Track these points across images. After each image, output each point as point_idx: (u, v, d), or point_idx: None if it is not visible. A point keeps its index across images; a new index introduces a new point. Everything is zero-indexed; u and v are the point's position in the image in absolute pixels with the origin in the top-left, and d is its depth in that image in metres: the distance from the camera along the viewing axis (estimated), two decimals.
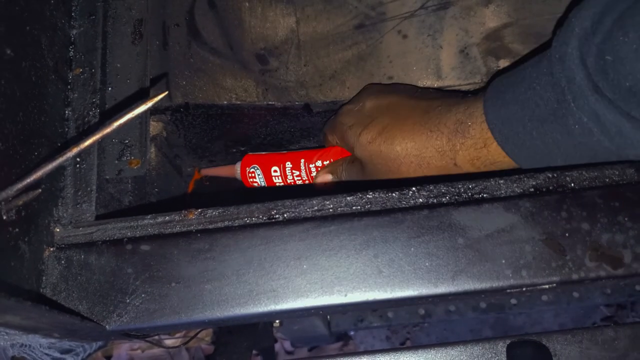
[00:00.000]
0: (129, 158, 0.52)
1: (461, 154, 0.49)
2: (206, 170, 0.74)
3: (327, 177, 0.62)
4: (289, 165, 0.66)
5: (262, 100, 0.64)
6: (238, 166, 0.70)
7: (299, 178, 0.65)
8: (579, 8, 0.41)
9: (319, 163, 0.64)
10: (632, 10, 0.37)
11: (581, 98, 0.40)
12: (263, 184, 0.68)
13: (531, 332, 0.49)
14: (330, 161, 0.64)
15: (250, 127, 0.69)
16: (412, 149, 0.52)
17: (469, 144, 0.49)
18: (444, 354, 0.46)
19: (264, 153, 0.69)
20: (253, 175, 0.68)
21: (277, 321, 0.78)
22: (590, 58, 0.39)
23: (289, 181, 0.66)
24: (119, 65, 0.55)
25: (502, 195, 0.43)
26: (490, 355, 0.46)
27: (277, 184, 0.67)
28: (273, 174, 0.66)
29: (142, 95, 0.54)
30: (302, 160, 0.65)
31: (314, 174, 0.64)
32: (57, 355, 0.55)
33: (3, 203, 0.38)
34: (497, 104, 0.47)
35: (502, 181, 0.43)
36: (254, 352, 0.98)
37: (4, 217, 0.38)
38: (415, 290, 0.41)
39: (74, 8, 0.54)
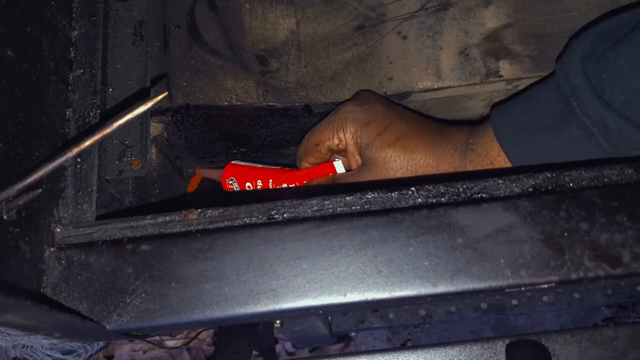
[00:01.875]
0: (129, 159, 0.52)
1: (469, 170, 0.54)
2: (203, 171, 0.76)
3: None
4: (259, 183, 0.69)
5: (263, 101, 0.65)
6: (220, 173, 0.74)
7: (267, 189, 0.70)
8: (580, 35, 0.50)
9: (284, 185, 0.66)
10: (622, 40, 0.46)
11: (586, 103, 0.47)
12: (237, 190, 0.73)
13: (531, 332, 0.49)
14: (295, 185, 0.65)
15: (251, 128, 0.69)
16: (430, 160, 0.56)
17: (477, 162, 0.54)
18: (443, 354, 0.47)
19: (243, 164, 0.72)
20: (232, 186, 0.72)
21: (278, 322, 0.78)
22: (591, 74, 0.47)
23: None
24: (119, 66, 0.55)
25: (501, 195, 0.43)
26: (489, 355, 0.46)
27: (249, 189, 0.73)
28: (247, 188, 0.70)
29: (142, 96, 0.54)
30: (270, 181, 0.68)
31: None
32: (59, 356, 0.56)
33: (4, 203, 0.38)
34: (504, 117, 0.53)
35: (500, 181, 0.43)
36: (255, 352, 0.98)
37: (5, 217, 0.39)
38: (414, 290, 0.41)
39: (74, 9, 0.54)
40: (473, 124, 0.58)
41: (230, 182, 0.72)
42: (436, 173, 0.55)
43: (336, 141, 0.60)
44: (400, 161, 0.56)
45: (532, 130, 0.50)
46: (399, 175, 0.56)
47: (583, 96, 0.47)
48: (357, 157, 0.60)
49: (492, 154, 0.53)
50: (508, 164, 0.52)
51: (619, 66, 0.45)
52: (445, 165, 0.55)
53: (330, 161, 0.64)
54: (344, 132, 0.59)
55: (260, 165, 0.71)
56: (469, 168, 0.54)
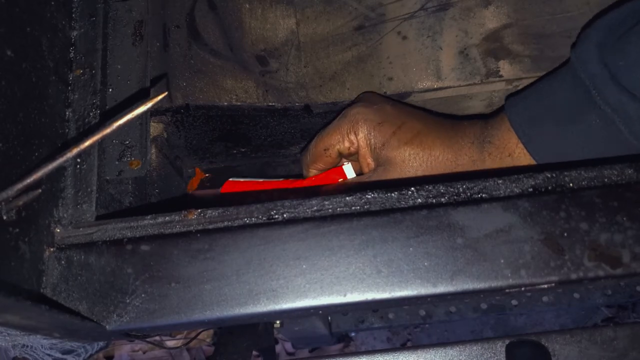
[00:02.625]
0: (129, 159, 0.52)
1: (488, 163, 0.54)
2: (197, 194, 0.74)
3: None
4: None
5: (263, 101, 0.65)
6: (217, 193, 0.70)
7: None
8: (594, 24, 0.50)
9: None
10: (637, 27, 0.46)
11: (606, 91, 0.46)
12: None
13: (530, 332, 0.49)
14: None
15: (251, 128, 0.69)
16: (449, 155, 0.55)
17: (495, 154, 0.54)
18: (443, 354, 0.47)
19: (242, 180, 0.69)
20: None
21: (278, 322, 0.78)
22: (608, 62, 0.47)
23: None
24: (119, 66, 0.55)
25: (501, 195, 0.43)
26: (489, 355, 0.46)
27: None
28: None
29: (142, 96, 0.54)
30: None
31: None
32: (59, 355, 0.56)
33: (3, 203, 0.38)
34: (520, 109, 0.53)
35: (500, 181, 0.43)
36: (255, 353, 0.98)
37: (5, 217, 0.39)
38: (414, 290, 0.41)
39: (74, 10, 0.54)
40: (485, 117, 0.57)
41: None
42: (455, 168, 0.55)
43: (347, 144, 0.59)
44: (419, 158, 0.55)
45: (549, 121, 0.51)
46: (419, 173, 0.55)
47: (602, 84, 0.47)
48: (370, 159, 0.58)
49: (511, 146, 0.53)
50: (527, 155, 0.52)
51: (636, 53, 0.45)
52: (463, 159, 0.55)
53: (338, 166, 0.62)
54: (355, 134, 0.58)
55: (261, 180, 0.68)
56: (488, 160, 0.54)
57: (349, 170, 0.61)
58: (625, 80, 0.46)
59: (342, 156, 0.61)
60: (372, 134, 0.57)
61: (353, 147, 0.59)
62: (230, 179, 0.69)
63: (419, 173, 0.55)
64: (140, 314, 0.42)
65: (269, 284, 0.42)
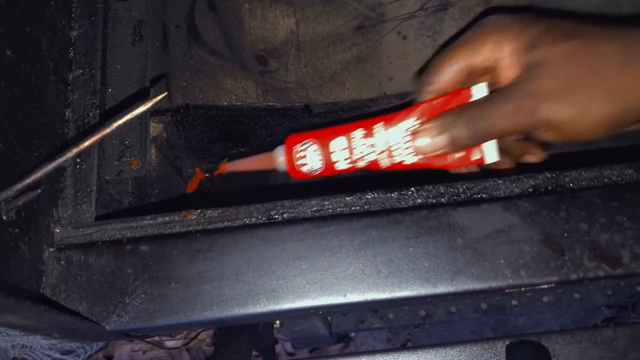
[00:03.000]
0: (129, 159, 0.52)
1: None
2: (232, 165, 0.56)
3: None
4: (359, 133, 0.49)
5: (262, 101, 0.65)
6: (279, 151, 0.53)
7: (373, 150, 0.49)
8: None
9: (406, 123, 0.48)
10: None
11: None
12: (317, 168, 0.51)
13: (530, 333, 0.49)
14: (423, 120, 0.48)
15: (251, 128, 0.69)
16: (619, 45, 0.43)
17: None
18: (443, 354, 0.47)
19: (305, 132, 0.52)
20: (304, 154, 0.51)
21: (278, 322, 0.78)
22: None
23: (357, 158, 0.49)
24: (119, 66, 0.55)
25: (501, 195, 0.43)
26: (489, 356, 0.46)
27: (338, 168, 0.50)
28: (333, 148, 0.50)
29: (142, 96, 0.54)
30: (382, 124, 0.49)
31: (401, 140, 0.48)
32: (58, 356, 0.56)
33: (3, 203, 0.38)
34: None
35: (500, 181, 0.43)
36: (255, 353, 0.98)
37: (4, 218, 0.39)
38: (414, 290, 0.41)
39: (74, 10, 0.54)
40: None
41: (304, 147, 0.51)
42: (631, 60, 0.42)
43: (481, 58, 0.47)
44: (581, 53, 0.43)
45: None
46: (579, 72, 0.43)
47: None
48: (515, 69, 0.46)
49: None
50: None
51: None
52: (638, 49, 0.42)
53: (465, 88, 0.48)
54: (494, 43, 0.46)
55: (333, 127, 0.51)
56: None
57: (481, 91, 0.47)
58: None
59: (473, 74, 0.49)
60: (517, 37, 0.45)
61: (488, 62, 0.47)
62: (294, 133, 0.53)
63: (579, 72, 0.43)
64: (139, 314, 0.42)
65: (268, 284, 0.42)
